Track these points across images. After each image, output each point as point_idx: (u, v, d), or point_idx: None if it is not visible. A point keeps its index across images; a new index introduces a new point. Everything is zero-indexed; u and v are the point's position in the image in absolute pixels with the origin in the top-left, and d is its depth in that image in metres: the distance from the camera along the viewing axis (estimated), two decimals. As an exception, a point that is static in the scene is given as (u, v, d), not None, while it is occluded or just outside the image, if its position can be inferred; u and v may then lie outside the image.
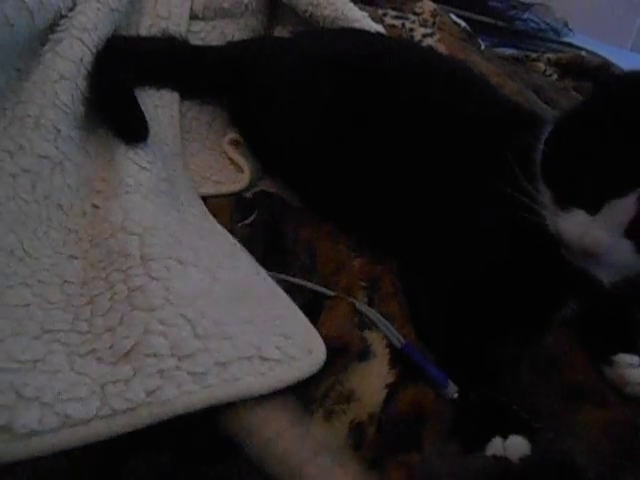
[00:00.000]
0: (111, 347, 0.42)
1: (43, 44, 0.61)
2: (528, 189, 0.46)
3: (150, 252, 0.49)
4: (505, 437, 0.42)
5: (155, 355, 0.40)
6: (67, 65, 0.59)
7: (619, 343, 0.50)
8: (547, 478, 0.39)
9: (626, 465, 0.39)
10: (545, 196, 0.45)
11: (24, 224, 0.52)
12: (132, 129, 0.64)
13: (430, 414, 0.45)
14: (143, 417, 0.37)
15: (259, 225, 0.64)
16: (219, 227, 0.61)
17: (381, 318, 0.52)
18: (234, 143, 0.74)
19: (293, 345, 0.45)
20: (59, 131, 0.57)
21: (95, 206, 0.57)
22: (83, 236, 0.54)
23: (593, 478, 0.37)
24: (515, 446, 0.42)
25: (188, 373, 0.40)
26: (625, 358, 0.49)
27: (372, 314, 0.52)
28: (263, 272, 0.55)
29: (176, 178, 0.65)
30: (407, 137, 0.58)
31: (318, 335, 0.48)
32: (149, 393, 0.38)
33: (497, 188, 0.46)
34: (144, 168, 0.59)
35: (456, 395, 0.46)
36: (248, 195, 0.69)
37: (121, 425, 0.37)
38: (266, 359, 0.43)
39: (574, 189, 0.43)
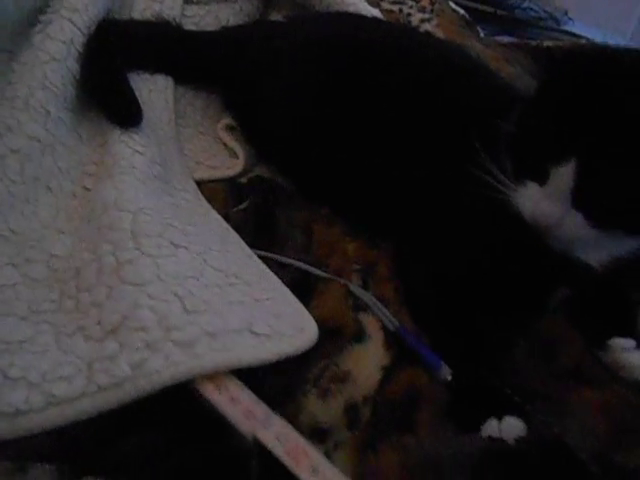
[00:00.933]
0: (98, 323, 0.41)
1: (33, 26, 0.60)
2: (492, 169, 0.46)
3: (142, 229, 0.48)
4: (500, 418, 0.42)
5: (143, 329, 0.39)
6: (57, 46, 0.58)
7: (614, 327, 0.50)
8: (542, 458, 0.38)
9: (622, 443, 0.39)
10: (508, 173, 0.46)
11: (12, 205, 0.51)
12: (125, 113, 0.63)
13: (425, 396, 0.45)
14: (129, 392, 0.37)
15: (253, 210, 0.63)
16: (213, 212, 0.60)
17: (375, 301, 0.51)
18: (228, 129, 0.74)
19: (284, 323, 0.44)
20: (49, 112, 0.56)
21: (86, 188, 0.56)
22: (74, 216, 0.53)
23: (585, 458, 0.37)
24: (510, 427, 0.41)
25: (175, 344, 0.39)
26: (620, 342, 0.48)
27: (366, 297, 0.52)
28: (255, 257, 0.55)
29: (170, 163, 0.64)
30: (398, 121, 0.58)
31: (309, 315, 0.47)
32: (135, 366, 0.38)
33: (470, 171, 0.47)
34: (138, 152, 0.58)
35: (449, 377, 0.46)
36: (243, 180, 0.69)
37: (107, 401, 0.36)
38: (257, 334, 0.42)
39: (526, 161, 0.44)
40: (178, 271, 0.45)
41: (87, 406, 0.36)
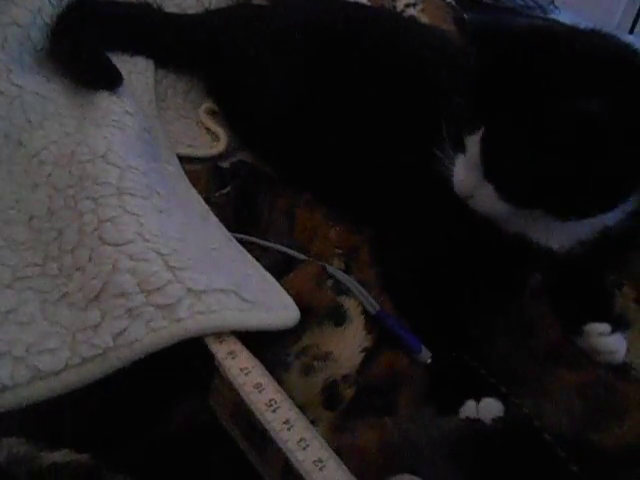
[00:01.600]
0: (81, 289, 0.40)
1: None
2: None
3: (128, 187, 0.46)
4: (478, 400, 0.42)
5: (123, 295, 0.38)
6: (21, 12, 0.57)
7: (590, 312, 0.49)
8: (512, 440, 0.39)
9: (599, 422, 0.39)
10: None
11: None
12: (104, 77, 0.61)
13: (405, 378, 0.46)
14: (112, 362, 0.36)
15: (236, 195, 0.63)
16: (193, 190, 0.59)
17: (355, 284, 0.51)
18: (210, 112, 0.73)
19: (267, 298, 0.44)
20: (11, 70, 0.55)
21: (66, 133, 0.53)
22: (45, 158, 0.51)
23: (552, 441, 0.37)
24: (488, 408, 0.42)
25: (157, 308, 0.38)
26: (595, 327, 0.48)
27: (345, 279, 0.52)
28: (234, 240, 0.54)
29: (155, 135, 0.62)
30: (375, 107, 0.58)
31: (289, 296, 0.47)
32: (116, 336, 0.37)
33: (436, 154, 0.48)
34: (128, 112, 0.57)
35: (429, 360, 0.46)
36: (225, 165, 0.68)
37: (91, 373, 0.36)
38: (244, 300, 0.41)
39: (454, 133, 0.45)
40: (163, 231, 0.44)
41: (72, 379, 0.36)
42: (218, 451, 0.36)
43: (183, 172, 0.62)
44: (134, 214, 0.44)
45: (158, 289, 0.39)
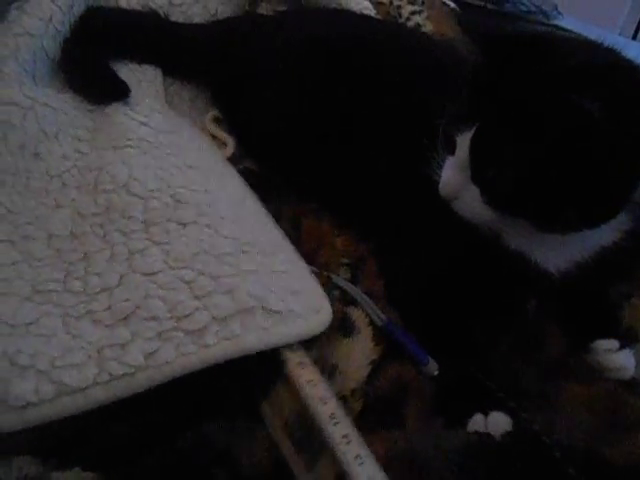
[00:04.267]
0: (108, 309, 0.41)
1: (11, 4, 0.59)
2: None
3: (152, 217, 0.48)
4: (486, 414, 0.42)
5: (154, 318, 0.40)
6: (33, 22, 0.57)
7: (596, 329, 0.49)
8: (521, 455, 0.38)
9: (609, 436, 0.39)
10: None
11: (1, 181, 0.50)
12: (111, 91, 0.62)
13: (412, 391, 0.45)
14: (141, 381, 0.37)
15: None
16: (230, 170, 0.60)
17: (362, 294, 0.51)
18: (216, 120, 0.73)
19: (299, 301, 0.44)
20: (23, 82, 0.55)
21: (80, 152, 0.54)
22: (68, 182, 0.52)
23: (559, 455, 0.37)
24: (496, 422, 0.42)
25: (186, 333, 0.39)
26: (603, 344, 0.47)
27: (352, 290, 0.51)
28: (272, 225, 0.54)
29: (178, 129, 0.63)
30: (378, 118, 0.58)
31: (325, 294, 0.46)
32: (147, 356, 0.38)
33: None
34: (143, 123, 0.58)
35: (436, 373, 0.46)
36: (232, 173, 0.68)
37: (119, 390, 0.36)
38: (269, 311, 0.42)
39: (445, 134, 0.45)
40: (186, 252, 0.45)
41: (99, 395, 0.36)
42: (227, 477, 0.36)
43: (217, 150, 0.63)
44: (159, 244, 0.46)
45: (186, 316, 0.40)
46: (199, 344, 0.39)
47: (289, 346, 0.41)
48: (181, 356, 0.38)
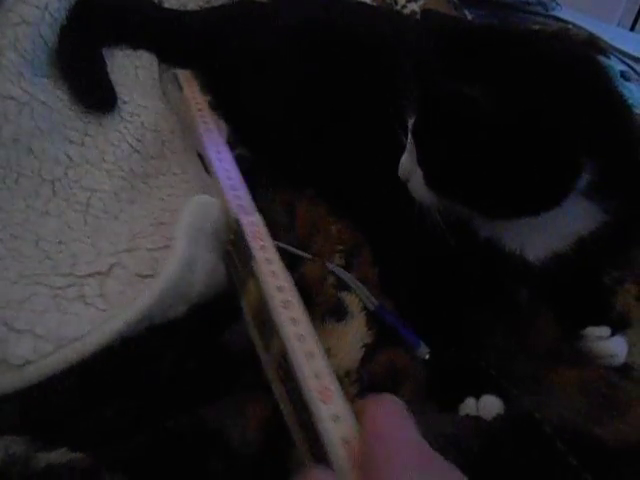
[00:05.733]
0: (101, 295, 0.41)
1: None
2: None
3: (137, 230, 0.49)
4: (478, 397, 0.42)
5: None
6: (30, 10, 0.57)
7: (587, 316, 0.49)
8: (513, 435, 0.38)
9: (601, 417, 0.39)
10: None
11: None
12: (98, 97, 0.62)
13: (405, 375, 0.45)
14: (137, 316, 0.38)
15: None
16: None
17: (354, 280, 0.51)
18: (210, 106, 0.72)
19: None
20: (22, 74, 0.54)
21: (69, 157, 0.55)
22: (58, 192, 0.52)
23: (550, 431, 0.37)
24: (488, 405, 0.42)
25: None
26: (594, 331, 0.47)
27: (345, 275, 0.52)
28: None
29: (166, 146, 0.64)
30: (378, 109, 0.57)
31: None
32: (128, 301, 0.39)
33: None
34: (135, 150, 0.59)
35: (427, 356, 0.46)
36: (225, 159, 0.68)
37: (116, 331, 0.37)
38: None
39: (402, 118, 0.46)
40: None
41: (98, 339, 0.37)
42: (220, 457, 0.36)
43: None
44: (149, 249, 0.47)
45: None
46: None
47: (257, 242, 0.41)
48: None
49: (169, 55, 0.74)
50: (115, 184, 0.55)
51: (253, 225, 0.40)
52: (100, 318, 0.39)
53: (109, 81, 0.63)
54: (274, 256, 0.37)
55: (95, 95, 0.61)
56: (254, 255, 0.37)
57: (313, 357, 0.29)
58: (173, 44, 0.73)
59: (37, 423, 0.35)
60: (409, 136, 0.46)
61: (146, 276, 0.44)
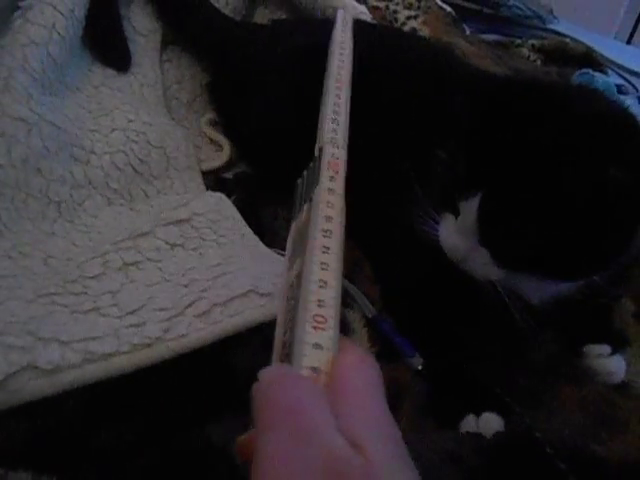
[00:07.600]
0: (115, 305, 0.43)
1: (14, 12, 0.59)
2: (423, 200, 0.46)
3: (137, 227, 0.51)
4: (478, 414, 0.43)
5: (162, 309, 0.43)
6: (37, 30, 0.57)
7: (587, 333, 0.49)
8: (514, 453, 0.39)
9: (601, 434, 0.40)
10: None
11: (1, 193, 0.50)
12: (117, 58, 0.68)
13: (406, 391, 0.46)
14: (160, 351, 0.40)
15: (239, 205, 0.63)
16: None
17: (353, 287, 0.52)
18: (212, 123, 0.74)
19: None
20: (31, 95, 0.55)
21: (73, 175, 0.56)
22: (64, 214, 0.54)
23: (550, 449, 0.38)
24: (488, 423, 0.42)
25: (194, 316, 0.43)
26: (594, 349, 0.48)
27: (344, 282, 0.52)
28: (249, 236, 0.57)
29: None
30: (381, 128, 0.57)
31: None
32: (163, 332, 0.40)
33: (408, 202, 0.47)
34: (139, 173, 0.61)
35: (420, 367, 0.47)
36: (228, 176, 0.69)
37: (142, 358, 0.39)
38: (262, 294, 0.46)
39: (444, 192, 0.44)
40: (179, 269, 0.49)
41: (123, 362, 0.38)
42: (225, 475, 0.36)
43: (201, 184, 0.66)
44: (152, 260, 0.50)
45: (190, 305, 0.44)
46: (207, 322, 0.43)
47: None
48: (194, 331, 0.42)
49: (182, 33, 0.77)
50: (115, 210, 0.57)
51: (334, 157, 0.38)
52: (117, 325, 0.41)
53: (126, 45, 0.69)
54: (339, 190, 0.34)
55: (115, 56, 0.68)
56: (321, 181, 0.36)
57: (326, 286, 0.28)
58: (189, 25, 0.76)
59: (42, 443, 0.36)
60: (464, 217, 0.42)
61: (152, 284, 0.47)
